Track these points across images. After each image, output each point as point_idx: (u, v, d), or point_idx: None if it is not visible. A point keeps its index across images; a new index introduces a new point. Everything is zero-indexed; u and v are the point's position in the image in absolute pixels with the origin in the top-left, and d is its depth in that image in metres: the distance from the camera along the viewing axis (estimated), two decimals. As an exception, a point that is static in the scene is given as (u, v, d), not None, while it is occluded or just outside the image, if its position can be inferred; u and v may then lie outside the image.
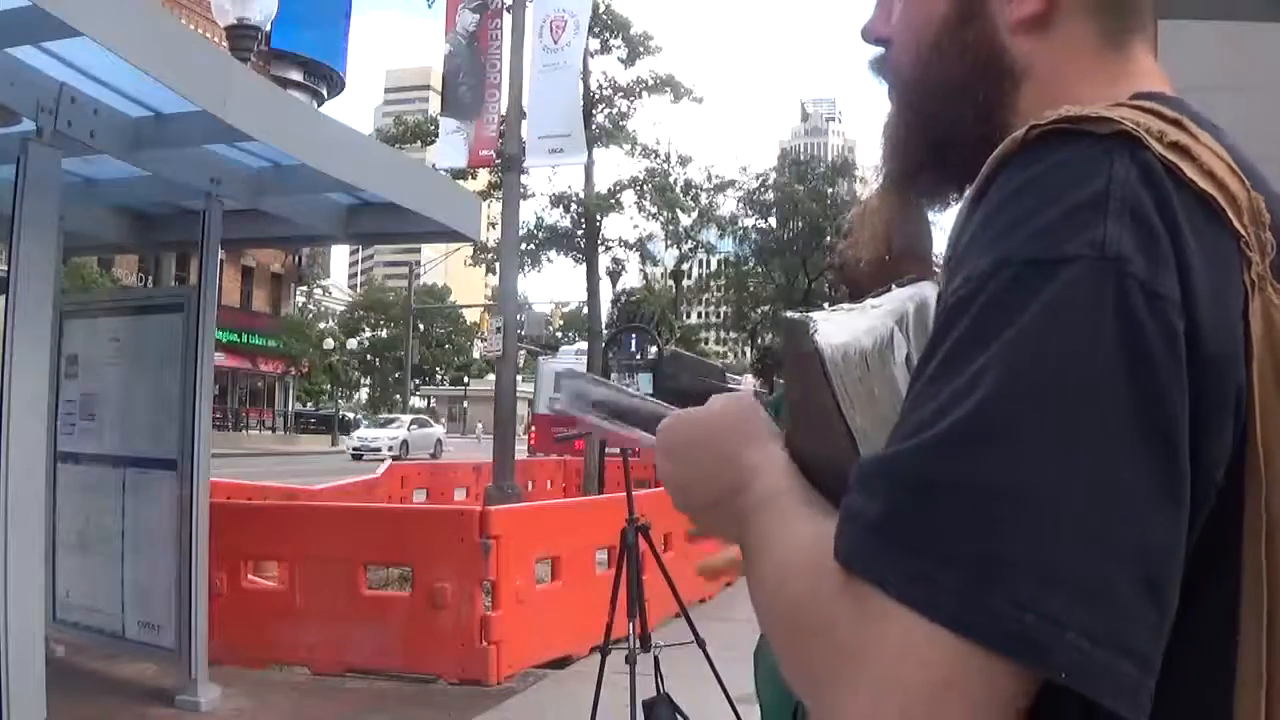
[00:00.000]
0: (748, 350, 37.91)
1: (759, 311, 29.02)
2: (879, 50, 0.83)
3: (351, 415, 59.08)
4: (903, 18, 0.79)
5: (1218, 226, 0.59)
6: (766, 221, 24.32)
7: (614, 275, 21.24)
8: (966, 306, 0.58)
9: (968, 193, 0.66)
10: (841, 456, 0.66)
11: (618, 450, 4.65)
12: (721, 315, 44.55)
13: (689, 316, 37.08)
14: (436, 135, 15.01)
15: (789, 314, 0.76)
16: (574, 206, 17.56)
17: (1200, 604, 0.58)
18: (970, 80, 0.74)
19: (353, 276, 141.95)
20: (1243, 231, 0.60)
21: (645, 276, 29.25)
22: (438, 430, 42.33)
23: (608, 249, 18.64)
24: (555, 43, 12.68)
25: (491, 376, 20.54)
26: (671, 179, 18.39)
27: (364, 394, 66.22)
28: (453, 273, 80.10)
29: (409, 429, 37.59)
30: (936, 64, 0.76)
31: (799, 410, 0.75)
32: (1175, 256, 0.57)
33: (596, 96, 16.83)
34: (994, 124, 0.72)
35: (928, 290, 0.71)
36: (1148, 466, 0.54)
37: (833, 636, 0.58)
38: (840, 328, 0.70)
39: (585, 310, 20.24)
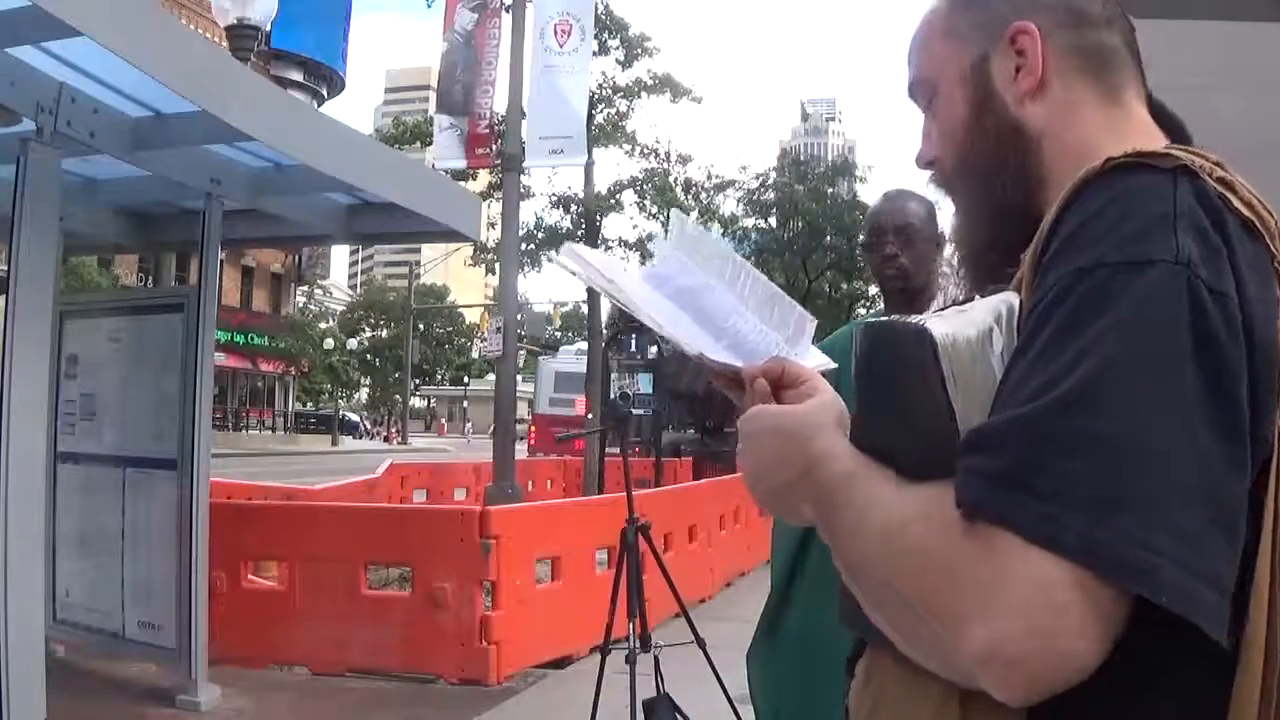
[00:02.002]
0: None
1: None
2: (932, 171, 0.99)
3: (352, 416, 59.11)
4: (939, 129, 0.96)
5: (1259, 246, 0.75)
6: (766, 221, 24.30)
7: (614, 275, 21.21)
8: (1065, 298, 0.71)
9: (1049, 214, 0.78)
10: (933, 440, 0.75)
11: (618, 450, 4.64)
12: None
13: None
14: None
15: (873, 319, 0.82)
16: (574, 207, 17.55)
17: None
18: (1002, 155, 0.90)
19: (353, 276, 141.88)
20: (1276, 252, 0.76)
21: (645, 276, 29.16)
22: None
23: (608, 249, 18.62)
24: (561, 47, 12.68)
25: (491, 376, 20.54)
26: (671, 179, 18.35)
27: (364, 394, 66.18)
28: (453, 273, 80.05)
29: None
30: (973, 153, 0.93)
31: (879, 408, 0.82)
32: (1230, 265, 0.71)
33: (596, 97, 16.82)
34: (1031, 184, 0.89)
35: (1013, 299, 0.80)
36: (1223, 430, 0.67)
37: (960, 576, 0.69)
38: (942, 322, 0.78)
39: (585, 310, 20.22)
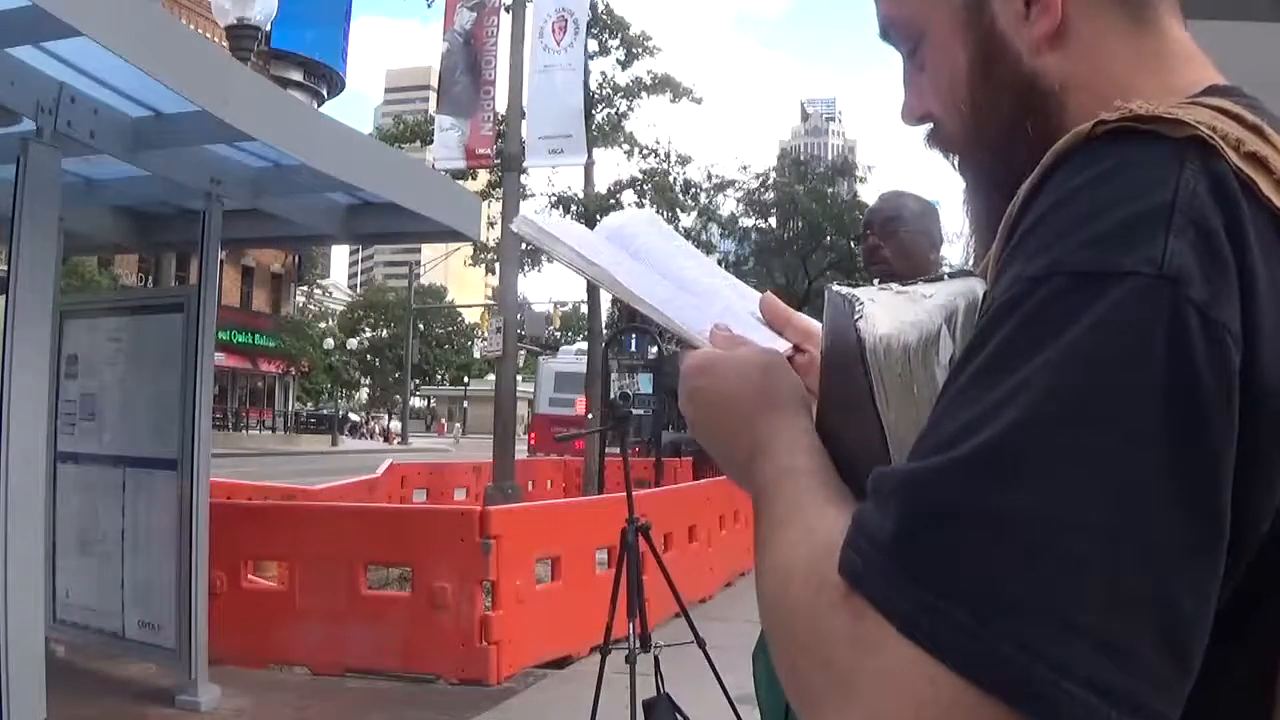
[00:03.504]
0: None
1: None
2: (927, 127, 0.79)
3: (354, 416, 59.11)
4: (932, 87, 0.75)
5: None
6: (766, 221, 24.31)
7: (614, 275, 21.22)
8: (1010, 312, 0.55)
9: (1022, 188, 0.61)
10: (870, 446, 0.64)
11: (618, 450, 4.64)
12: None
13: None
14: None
15: (837, 287, 0.71)
16: (574, 206, 17.56)
17: (1243, 641, 0.55)
18: (1015, 116, 0.70)
19: (353, 276, 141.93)
20: None
21: (645, 276, 29.19)
22: None
23: (608, 249, 18.64)
24: (557, 44, 12.69)
25: (491, 376, 20.54)
26: (671, 179, 18.38)
27: (364, 394, 66.19)
28: (453, 273, 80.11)
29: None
30: (981, 114, 0.72)
31: (833, 391, 0.70)
32: (1240, 282, 0.52)
33: (595, 97, 16.83)
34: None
35: (978, 288, 0.67)
36: (1184, 515, 0.50)
37: (824, 655, 0.55)
38: (887, 315, 0.66)
39: (585, 310, 20.22)
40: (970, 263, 0.83)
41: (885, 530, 0.53)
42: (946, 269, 0.73)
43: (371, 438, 55.36)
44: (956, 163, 0.78)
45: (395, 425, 59.44)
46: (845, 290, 0.70)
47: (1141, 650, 0.48)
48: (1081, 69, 0.68)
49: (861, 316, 0.66)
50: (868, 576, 0.53)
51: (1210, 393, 0.50)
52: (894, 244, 2.48)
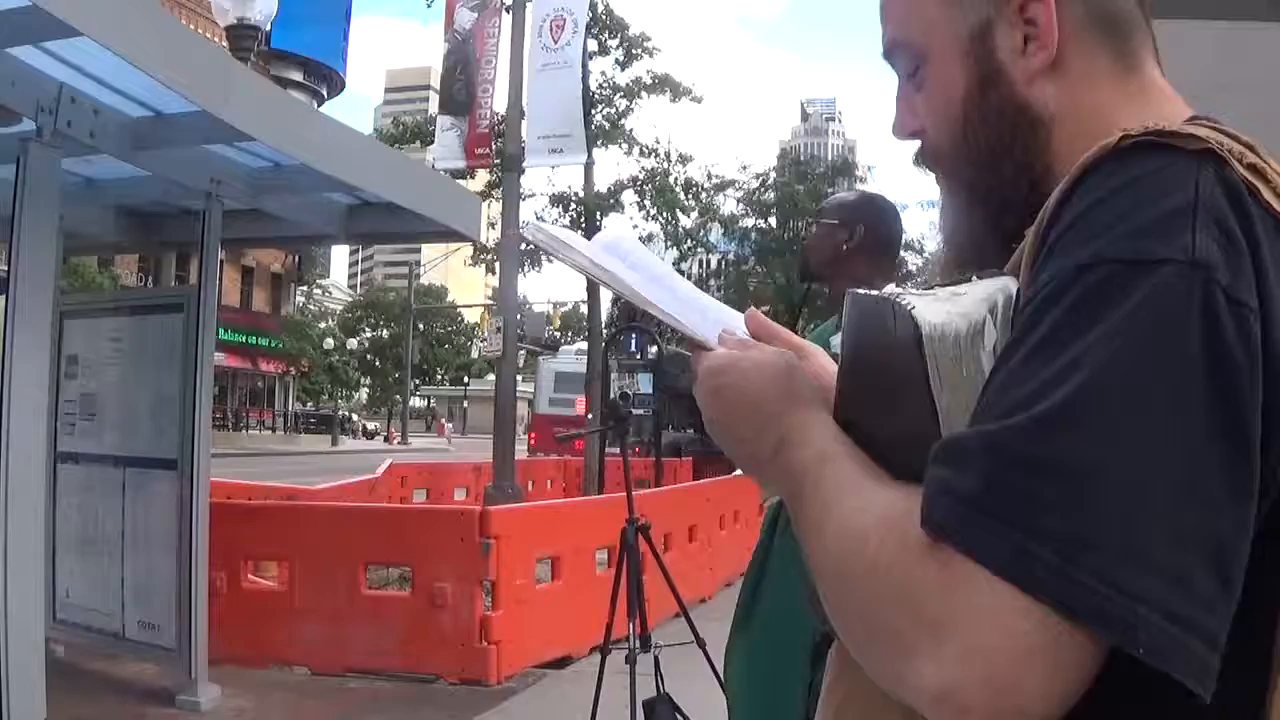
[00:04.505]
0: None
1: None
2: (916, 144, 0.87)
3: (354, 416, 59.11)
4: (928, 104, 0.84)
5: None
6: (766, 221, 24.32)
7: (614, 275, 21.20)
8: (1060, 297, 0.62)
9: (1054, 195, 0.69)
10: (910, 432, 0.68)
11: (618, 450, 4.64)
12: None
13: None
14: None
15: (863, 291, 0.76)
16: (574, 206, 17.55)
17: (1252, 589, 0.61)
18: (1006, 139, 0.79)
19: (353, 276, 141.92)
20: None
21: (645, 276, 29.14)
22: None
23: (608, 249, 18.61)
24: (555, 42, 12.68)
25: (491, 376, 20.53)
26: (671, 179, 18.35)
27: (364, 394, 66.19)
28: (453, 273, 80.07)
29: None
30: (972, 134, 0.81)
31: (862, 387, 0.74)
32: (1254, 269, 0.61)
33: (595, 97, 16.82)
34: (1036, 172, 0.78)
35: (1011, 285, 0.73)
36: (1223, 461, 0.58)
37: (914, 603, 0.61)
38: (934, 307, 0.71)
39: (585, 310, 20.22)
40: (937, 268, 0.91)
41: (970, 485, 0.60)
42: (976, 275, 0.78)
43: (369, 438, 55.33)
44: (940, 178, 0.86)
45: (376, 425, 59.60)
46: (872, 292, 0.75)
47: (1199, 580, 0.57)
48: (1070, 101, 0.77)
49: (914, 306, 0.71)
50: (957, 527, 0.60)
51: (1240, 359, 0.59)
52: (810, 236, 2.59)
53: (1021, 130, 0.78)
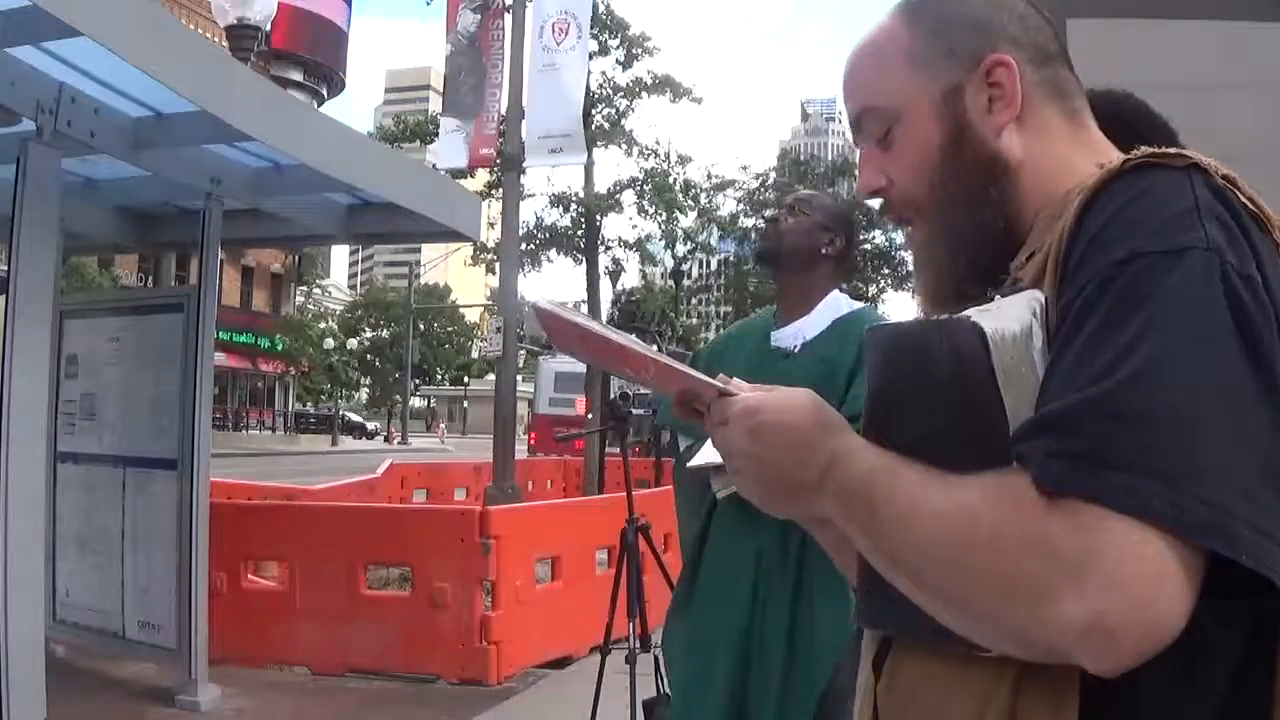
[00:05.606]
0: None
1: (759, 311, 28.63)
2: (880, 201, 1.01)
3: (354, 416, 59.11)
4: (901, 160, 0.97)
5: (1266, 235, 0.79)
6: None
7: (614, 275, 21.19)
8: (1108, 287, 0.75)
9: (1072, 207, 0.82)
10: (976, 432, 0.79)
11: (618, 450, 4.64)
12: (722, 315, 44.45)
13: (689, 316, 36.96)
14: (436, 135, 14.98)
15: (877, 325, 0.87)
16: (574, 206, 17.54)
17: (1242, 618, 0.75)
18: (981, 183, 0.93)
19: (353, 276, 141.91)
20: (1278, 241, 0.80)
21: (645, 276, 29.19)
22: None
23: (608, 249, 18.61)
24: (558, 45, 12.67)
25: (491, 376, 20.51)
26: (671, 179, 18.31)
27: (364, 394, 66.15)
28: (453, 273, 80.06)
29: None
30: (950, 182, 0.94)
31: (903, 405, 0.85)
32: (1251, 251, 0.76)
33: (596, 97, 16.81)
34: (1009, 213, 0.93)
35: (1040, 295, 0.83)
36: (1266, 401, 0.72)
37: (1049, 552, 0.71)
38: (987, 317, 0.82)
39: (585, 310, 20.19)
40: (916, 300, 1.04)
41: (1076, 443, 0.72)
42: (999, 294, 0.89)
43: (369, 438, 55.32)
44: (913, 227, 0.99)
45: (376, 425, 59.72)
46: (896, 320, 0.88)
47: (1265, 498, 0.70)
48: (1033, 150, 0.93)
49: (972, 316, 0.82)
50: (1075, 479, 0.71)
51: (1260, 320, 0.73)
52: (792, 222, 2.56)
53: (995, 177, 0.93)
